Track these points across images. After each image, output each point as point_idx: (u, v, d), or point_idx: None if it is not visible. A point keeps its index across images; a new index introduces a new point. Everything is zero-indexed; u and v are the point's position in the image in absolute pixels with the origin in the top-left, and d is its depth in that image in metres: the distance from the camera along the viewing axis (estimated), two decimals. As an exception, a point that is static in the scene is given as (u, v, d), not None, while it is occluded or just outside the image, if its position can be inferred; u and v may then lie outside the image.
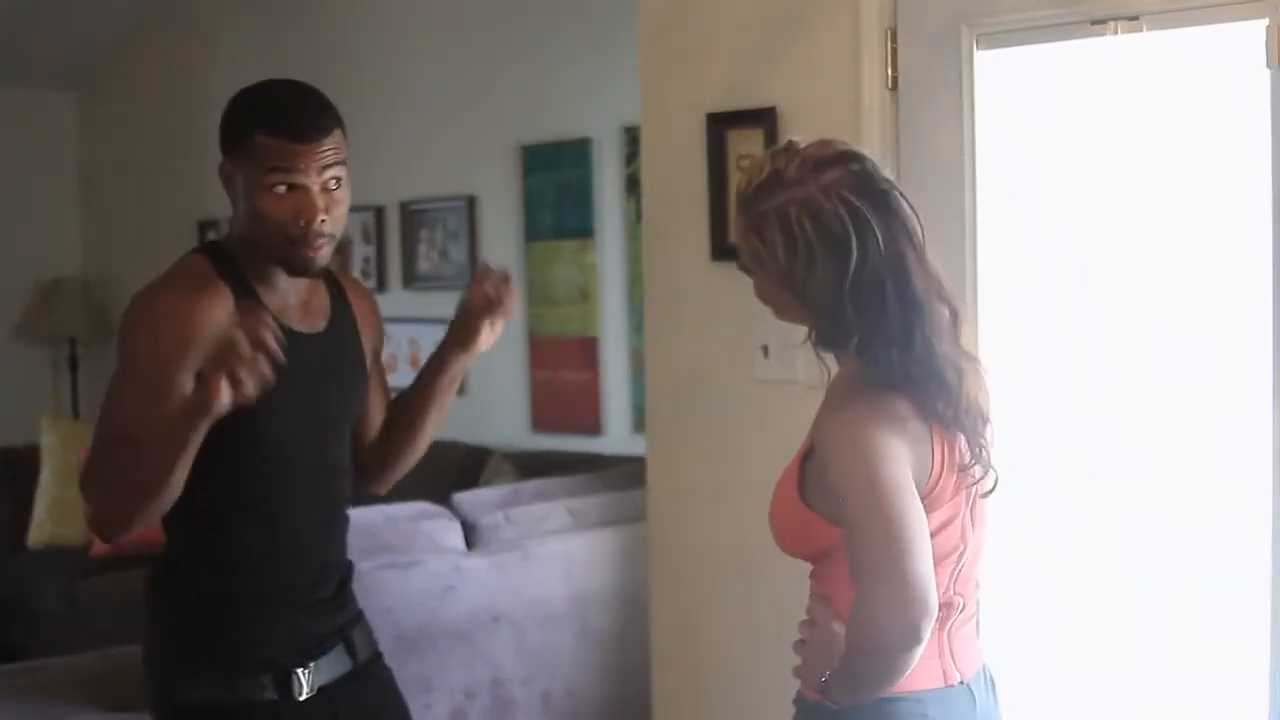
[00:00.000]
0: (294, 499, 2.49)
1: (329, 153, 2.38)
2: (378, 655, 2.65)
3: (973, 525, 2.13)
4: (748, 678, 3.24)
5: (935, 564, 2.05)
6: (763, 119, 3.17)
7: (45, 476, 6.18)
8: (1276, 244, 2.59)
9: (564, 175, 5.51)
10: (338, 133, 2.41)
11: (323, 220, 2.37)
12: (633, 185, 5.11)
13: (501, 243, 5.74)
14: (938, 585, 2.06)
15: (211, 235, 6.77)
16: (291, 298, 2.48)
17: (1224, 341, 2.74)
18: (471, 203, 5.85)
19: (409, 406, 2.69)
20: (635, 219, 5.04)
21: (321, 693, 2.47)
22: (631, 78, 3.50)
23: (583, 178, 5.44)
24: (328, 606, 2.54)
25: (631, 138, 5.12)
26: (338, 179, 2.40)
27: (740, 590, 3.25)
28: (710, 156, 3.26)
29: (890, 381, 2.04)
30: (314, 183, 2.37)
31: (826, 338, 2.09)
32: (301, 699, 2.44)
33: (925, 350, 2.04)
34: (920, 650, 1.97)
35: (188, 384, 2.31)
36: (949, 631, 2.11)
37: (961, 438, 2.09)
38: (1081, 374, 2.85)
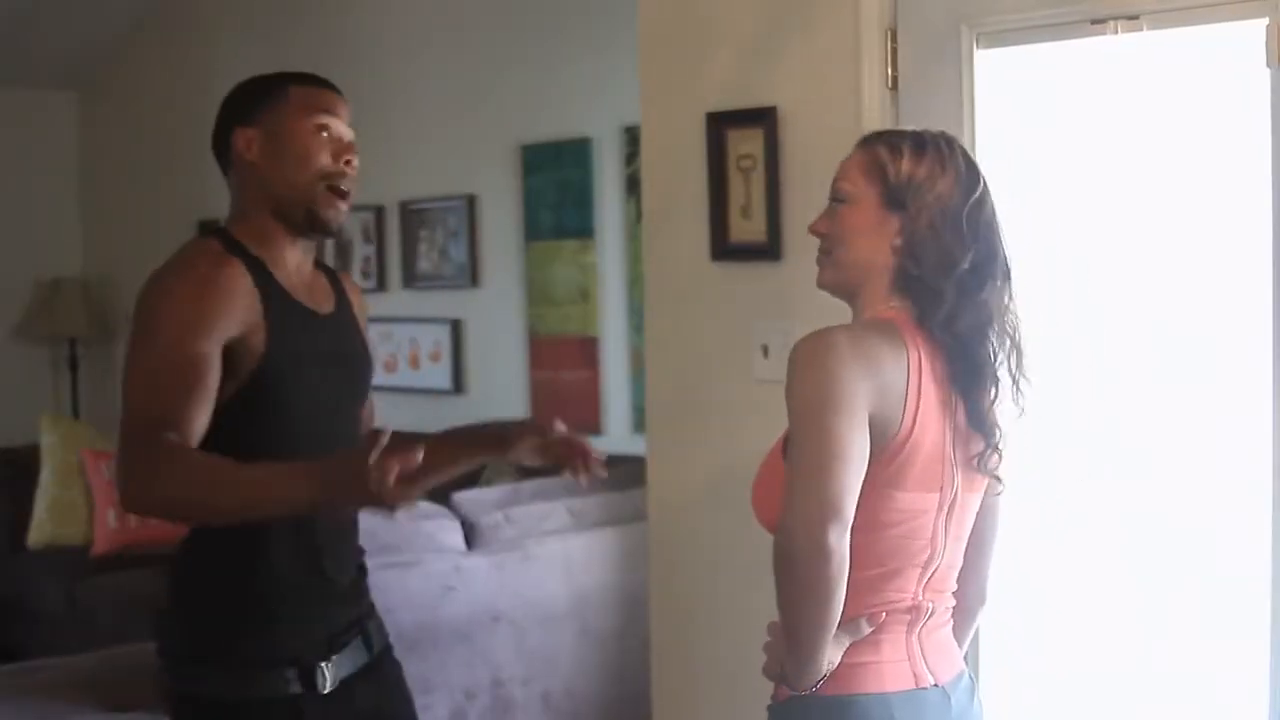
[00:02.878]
0: None
1: (348, 120, 2.49)
2: (389, 647, 2.65)
3: (946, 536, 2.11)
4: (748, 678, 3.22)
5: (901, 569, 2.06)
6: (763, 119, 3.17)
7: (45, 476, 6.17)
8: (1276, 244, 2.59)
9: (564, 175, 5.51)
10: None
11: (354, 164, 2.45)
12: (633, 185, 5.11)
13: (501, 243, 5.74)
14: (906, 589, 2.07)
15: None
16: (299, 278, 2.49)
17: (1224, 341, 2.74)
18: (471, 202, 5.85)
19: None
20: (635, 219, 5.04)
21: (342, 685, 2.46)
22: (631, 78, 3.50)
23: (583, 178, 5.44)
24: (346, 597, 2.53)
25: (631, 138, 5.12)
26: (355, 152, 2.49)
27: (740, 590, 3.24)
28: (710, 156, 3.26)
29: (982, 316, 2.11)
30: (346, 133, 2.48)
31: (926, 260, 2.10)
32: (325, 692, 2.43)
33: (1008, 298, 2.16)
34: (832, 568, 1.95)
35: (214, 355, 2.28)
36: (919, 635, 2.11)
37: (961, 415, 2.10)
38: (1081, 374, 2.85)
